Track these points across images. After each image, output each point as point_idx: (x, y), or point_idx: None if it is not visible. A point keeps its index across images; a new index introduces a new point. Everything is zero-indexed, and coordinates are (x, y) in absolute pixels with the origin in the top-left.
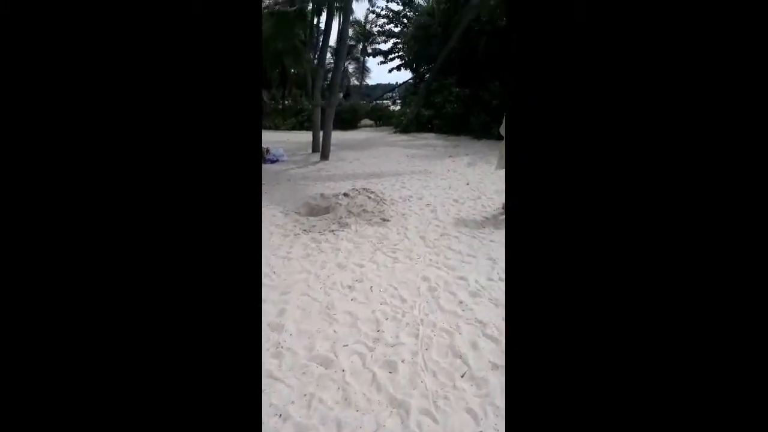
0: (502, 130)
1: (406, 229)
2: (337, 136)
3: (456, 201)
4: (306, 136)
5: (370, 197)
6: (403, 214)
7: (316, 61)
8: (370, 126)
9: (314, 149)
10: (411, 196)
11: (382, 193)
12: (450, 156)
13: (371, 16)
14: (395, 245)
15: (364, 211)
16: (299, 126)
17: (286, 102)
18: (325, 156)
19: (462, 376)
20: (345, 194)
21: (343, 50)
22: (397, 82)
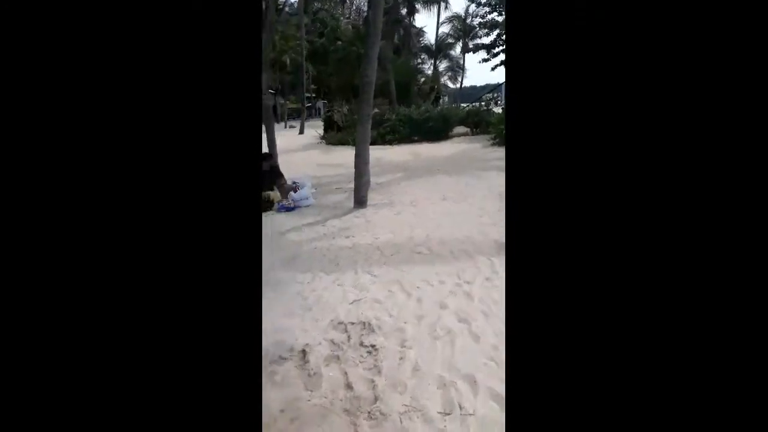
0: None
1: None
2: (415, 150)
3: None
4: (380, 152)
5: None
6: None
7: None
8: (464, 135)
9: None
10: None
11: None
12: None
13: (472, 7)
14: None
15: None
16: (380, 140)
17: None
18: (359, 202)
19: None
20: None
21: (373, 39)
22: (499, 82)
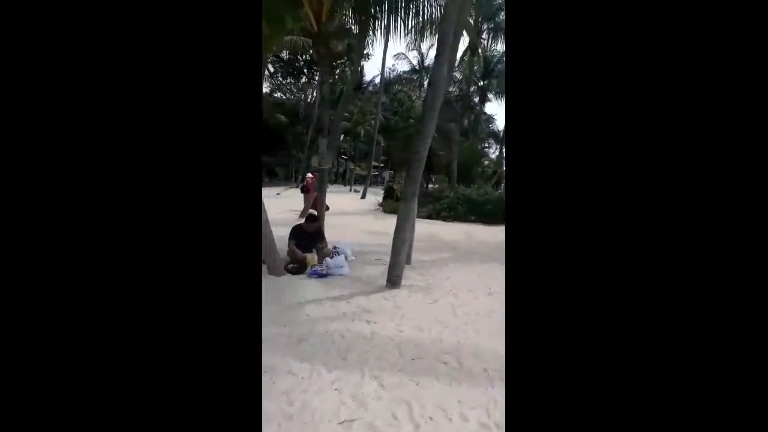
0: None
1: None
2: (469, 231)
3: None
4: (434, 227)
5: None
6: None
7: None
8: None
9: (391, 265)
10: None
11: None
12: None
13: None
14: None
15: None
16: (435, 215)
17: (429, 188)
18: (392, 282)
19: None
20: None
21: (429, 116)
22: None
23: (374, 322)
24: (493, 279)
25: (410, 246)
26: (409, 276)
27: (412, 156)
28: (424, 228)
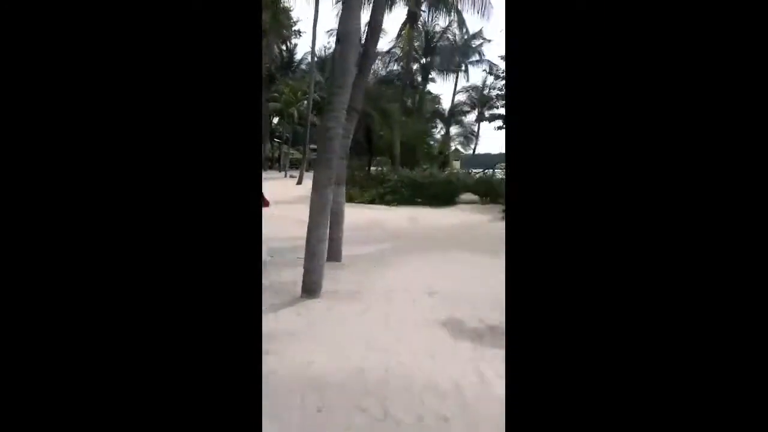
0: None
1: None
2: (415, 215)
3: None
4: (376, 213)
5: None
6: None
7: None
8: (472, 203)
9: (306, 271)
10: None
11: None
12: None
13: (490, 79)
14: None
15: None
16: (379, 200)
17: (370, 169)
18: (309, 290)
19: None
20: None
21: (339, 83)
22: None
23: (275, 353)
24: (438, 273)
25: (340, 241)
26: (336, 277)
27: (321, 135)
28: (365, 215)
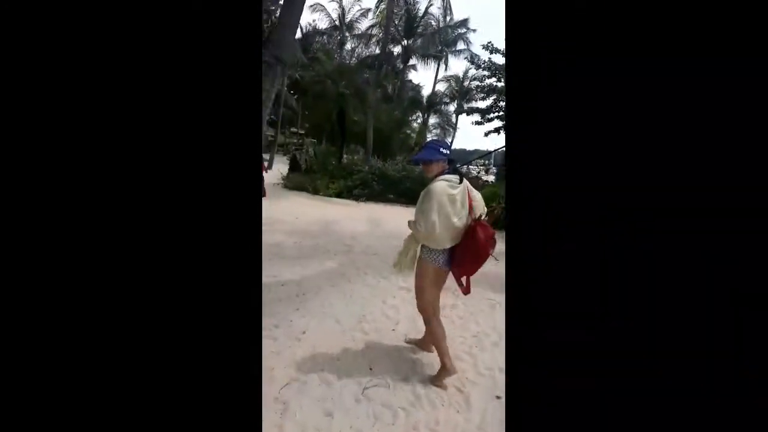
0: None
1: None
2: (379, 216)
3: None
4: (337, 211)
5: None
6: None
7: None
8: None
9: None
10: None
11: None
12: None
13: (471, 71)
14: None
15: None
16: (347, 193)
17: (343, 159)
18: None
19: None
20: None
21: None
22: (493, 148)
23: None
24: (388, 321)
25: None
26: None
27: None
28: (324, 214)
